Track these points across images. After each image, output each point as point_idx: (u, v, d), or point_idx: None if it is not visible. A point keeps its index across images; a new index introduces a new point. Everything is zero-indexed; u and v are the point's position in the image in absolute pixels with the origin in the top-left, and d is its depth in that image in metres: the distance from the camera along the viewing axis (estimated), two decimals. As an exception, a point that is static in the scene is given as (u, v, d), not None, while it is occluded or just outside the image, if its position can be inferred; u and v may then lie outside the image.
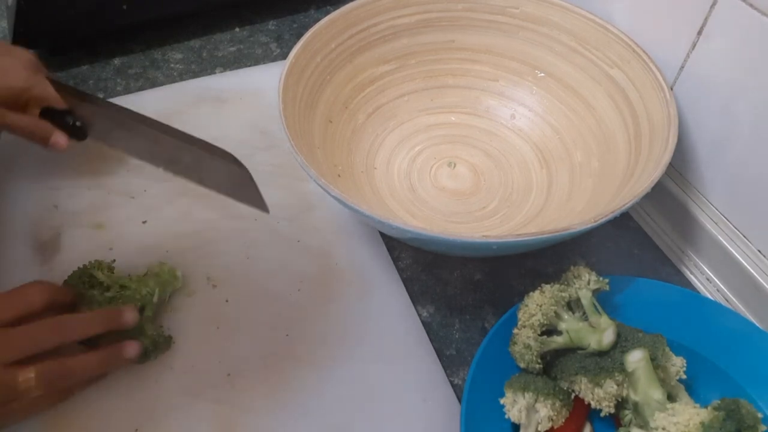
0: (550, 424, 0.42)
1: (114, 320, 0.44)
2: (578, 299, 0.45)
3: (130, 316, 0.44)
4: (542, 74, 0.61)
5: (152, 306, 0.48)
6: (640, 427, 0.41)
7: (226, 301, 0.51)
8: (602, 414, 0.42)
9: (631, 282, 0.49)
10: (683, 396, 0.43)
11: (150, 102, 0.67)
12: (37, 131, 0.51)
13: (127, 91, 0.71)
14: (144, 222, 0.56)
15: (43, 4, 0.67)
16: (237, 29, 0.80)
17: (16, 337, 0.40)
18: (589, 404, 0.42)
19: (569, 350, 0.44)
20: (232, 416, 0.45)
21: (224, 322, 0.50)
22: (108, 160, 0.61)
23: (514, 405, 0.42)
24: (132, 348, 0.44)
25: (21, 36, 0.69)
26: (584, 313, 0.44)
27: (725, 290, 0.53)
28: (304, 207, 0.58)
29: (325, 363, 0.48)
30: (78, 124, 0.52)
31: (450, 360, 0.50)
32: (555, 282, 0.46)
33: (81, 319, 0.43)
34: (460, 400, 0.46)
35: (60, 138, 0.51)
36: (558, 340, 0.43)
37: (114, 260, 0.50)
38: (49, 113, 0.51)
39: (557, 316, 0.44)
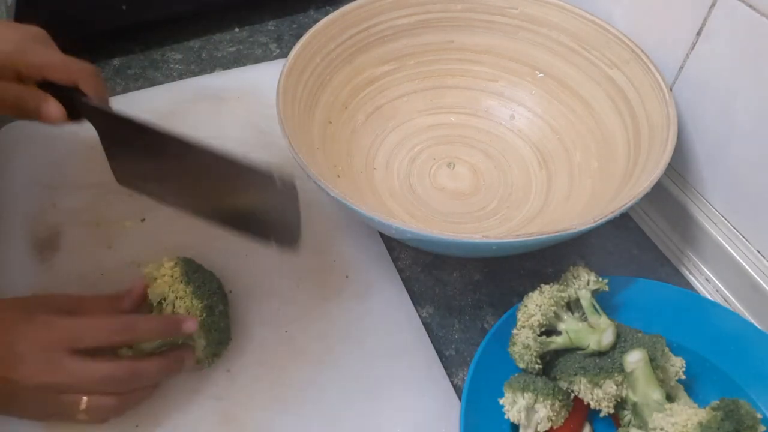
0: (549, 425, 0.42)
1: (175, 329, 0.44)
2: (577, 300, 0.45)
3: (190, 325, 0.44)
4: (541, 75, 0.61)
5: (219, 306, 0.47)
6: (639, 427, 0.41)
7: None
8: (601, 414, 0.42)
9: (631, 282, 0.49)
10: (682, 396, 0.43)
11: (148, 101, 0.67)
12: (28, 100, 0.44)
13: (127, 91, 0.71)
14: (143, 220, 0.56)
15: (42, 4, 0.67)
16: (236, 30, 0.80)
17: (85, 326, 0.40)
18: (589, 404, 0.42)
19: (568, 351, 0.44)
20: (231, 412, 0.45)
21: (224, 321, 0.50)
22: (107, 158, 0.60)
23: (514, 405, 0.42)
24: (189, 357, 0.45)
25: (20, 36, 0.69)
26: (583, 313, 0.45)
27: (724, 290, 0.53)
28: (302, 204, 0.58)
29: (325, 360, 0.48)
30: (84, 99, 0.45)
31: (449, 360, 0.50)
32: (554, 282, 0.46)
33: (147, 321, 0.43)
34: (459, 400, 0.46)
35: (52, 107, 0.44)
36: (557, 341, 0.43)
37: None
38: (48, 88, 0.45)
39: (556, 316, 0.44)
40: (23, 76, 0.44)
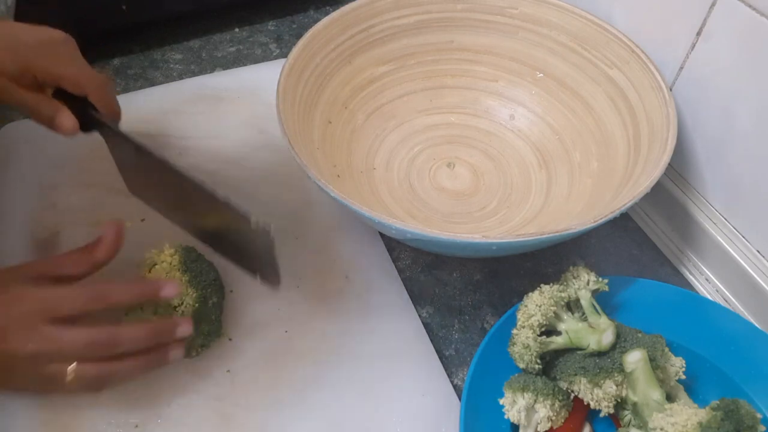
0: (549, 425, 0.42)
1: (152, 292, 0.42)
2: (577, 300, 0.45)
3: (169, 289, 0.42)
4: (541, 75, 0.61)
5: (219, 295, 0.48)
6: (639, 427, 0.41)
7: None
8: (601, 414, 0.42)
9: (631, 282, 0.49)
10: (682, 396, 0.43)
11: (148, 101, 0.66)
12: (43, 109, 0.45)
13: (127, 91, 0.71)
14: (143, 220, 0.56)
15: (42, 4, 0.67)
16: (236, 30, 0.80)
17: (60, 295, 0.39)
18: (589, 404, 0.42)
19: (568, 351, 0.44)
20: (231, 413, 0.45)
21: (223, 318, 0.50)
22: (106, 158, 0.60)
23: (514, 405, 0.42)
24: (177, 350, 0.43)
25: (20, 36, 0.69)
26: (583, 313, 0.44)
27: (724, 290, 0.53)
28: (302, 204, 0.58)
29: (324, 360, 0.48)
30: (93, 113, 0.47)
31: (449, 360, 0.50)
32: (554, 282, 0.46)
33: (122, 286, 0.42)
34: (459, 400, 0.46)
35: (66, 119, 0.45)
36: (557, 341, 0.43)
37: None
38: (63, 97, 0.47)
39: (556, 316, 0.44)
40: (40, 81, 0.45)
